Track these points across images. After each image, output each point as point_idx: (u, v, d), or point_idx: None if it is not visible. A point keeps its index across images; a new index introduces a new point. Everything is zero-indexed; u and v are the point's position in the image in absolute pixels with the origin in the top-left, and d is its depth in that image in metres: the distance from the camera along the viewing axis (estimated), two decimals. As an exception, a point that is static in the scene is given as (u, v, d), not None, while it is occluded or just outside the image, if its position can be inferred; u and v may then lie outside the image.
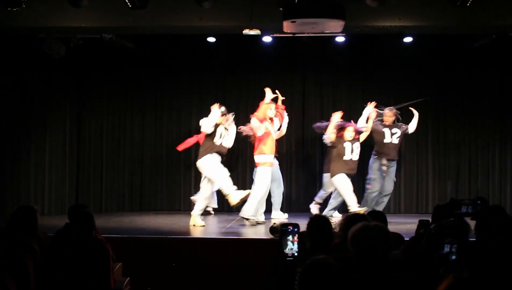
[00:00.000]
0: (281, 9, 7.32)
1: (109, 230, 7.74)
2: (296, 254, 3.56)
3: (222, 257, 7.18)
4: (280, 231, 3.64)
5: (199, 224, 8.57)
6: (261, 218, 8.81)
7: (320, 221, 4.27)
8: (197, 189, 9.71)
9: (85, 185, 10.69)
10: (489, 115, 10.73)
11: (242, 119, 10.77)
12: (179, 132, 10.79)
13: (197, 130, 9.70)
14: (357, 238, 3.32)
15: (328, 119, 9.78)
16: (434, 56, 10.57)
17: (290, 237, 3.58)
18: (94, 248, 4.61)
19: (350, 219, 4.26)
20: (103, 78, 10.80)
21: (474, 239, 3.92)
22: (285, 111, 9.23)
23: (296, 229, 3.61)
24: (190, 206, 9.77)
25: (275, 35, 9.04)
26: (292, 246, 3.57)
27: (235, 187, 8.63)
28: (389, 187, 9.56)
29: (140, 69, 10.87)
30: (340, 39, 9.49)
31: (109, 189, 10.87)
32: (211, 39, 9.68)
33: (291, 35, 8.75)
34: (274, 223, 7.64)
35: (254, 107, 10.31)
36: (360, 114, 9.73)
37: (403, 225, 8.71)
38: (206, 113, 10.23)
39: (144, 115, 11.03)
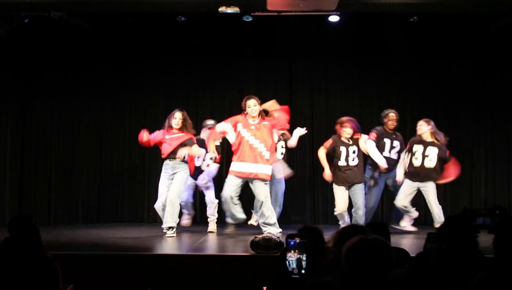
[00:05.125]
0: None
1: (59, 246, 7.69)
2: (303, 271, 3.53)
3: (194, 275, 7.12)
4: (284, 244, 3.61)
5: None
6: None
7: (310, 235, 4.24)
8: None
9: (30, 193, 10.59)
10: (509, 110, 10.77)
11: (217, 112, 10.72)
12: (142, 127, 10.63)
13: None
14: (352, 254, 3.30)
15: (319, 113, 9.75)
16: (443, 40, 10.57)
17: (296, 251, 3.54)
18: (40, 267, 4.57)
19: (345, 232, 4.23)
20: (53, 65, 10.69)
21: (492, 256, 3.91)
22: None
23: (303, 242, 3.58)
24: (155, 217, 9.74)
25: (257, 13, 9.02)
26: (298, 262, 3.53)
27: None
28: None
29: (97, 53, 10.78)
30: (334, 18, 9.47)
31: (60, 198, 10.78)
32: (182, 18, 9.62)
33: (276, 14, 8.75)
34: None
35: (230, 99, 10.29)
36: (355, 105, 9.70)
37: (409, 239, 8.76)
38: (176, 105, 10.04)
39: (101, 109, 10.96)
